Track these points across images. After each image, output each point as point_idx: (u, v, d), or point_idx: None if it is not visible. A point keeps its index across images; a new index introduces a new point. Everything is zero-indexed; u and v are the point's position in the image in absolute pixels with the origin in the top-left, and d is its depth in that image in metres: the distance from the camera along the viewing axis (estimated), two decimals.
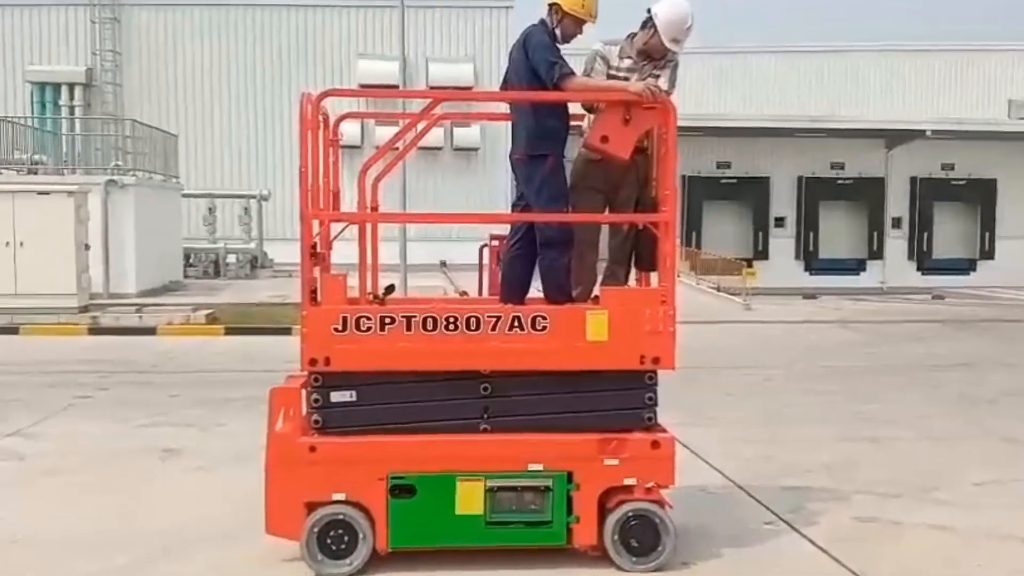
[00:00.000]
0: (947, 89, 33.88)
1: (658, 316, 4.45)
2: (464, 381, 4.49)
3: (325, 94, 4.54)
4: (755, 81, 34.23)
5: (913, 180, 25.76)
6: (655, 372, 4.52)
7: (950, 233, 25.98)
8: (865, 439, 7.65)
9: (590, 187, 4.88)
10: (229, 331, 14.50)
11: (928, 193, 25.74)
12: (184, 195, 22.73)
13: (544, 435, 4.53)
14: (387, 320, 4.39)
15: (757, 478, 6.27)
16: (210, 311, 15.63)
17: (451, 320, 4.40)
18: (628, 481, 4.51)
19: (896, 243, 25.91)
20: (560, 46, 4.68)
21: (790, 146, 25.14)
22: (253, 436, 5.11)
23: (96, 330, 14.56)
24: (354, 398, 4.44)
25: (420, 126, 4.95)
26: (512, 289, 4.90)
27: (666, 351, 4.46)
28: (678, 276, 22.85)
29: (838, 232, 25.58)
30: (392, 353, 4.38)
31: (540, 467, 4.48)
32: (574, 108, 4.93)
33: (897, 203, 25.80)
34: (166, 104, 26.51)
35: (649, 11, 4.82)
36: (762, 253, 25.21)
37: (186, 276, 21.74)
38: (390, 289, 5.10)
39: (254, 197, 24.75)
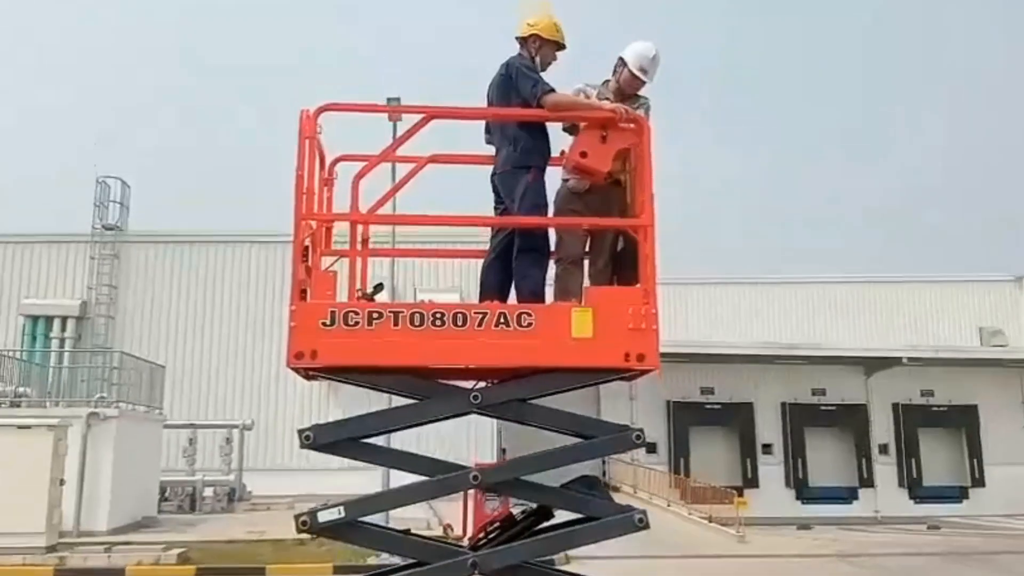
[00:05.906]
0: (922, 317, 34.95)
1: (641, 314, 4.50)
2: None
3: (323, 108, 4.62)
4: (735, 310, 35.35)
5: (895, 406, 25.99)
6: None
7: (938, 459, 25.88)
8: None
9: (572, 210, 5.16)
10: (200, 572, 13.86)
11: (911, 419, 25.89)
12: (166, 426, 22.48)
13: None
14: (375, 315, 4.37)
15: None
16: (182, 550, 14.99)
17: (438, 316, 4.39)
18: None
19: (885, 470, 25.69)
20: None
21: (771, 372, 25.55)
22: None
23: (63, 571, 13.87)
24: (343, 515, 4.34)
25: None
26: (490, 298, 5.01)
27: (650, 348, 4.50)
28: (667, 505, 21.99)
29: (826, 459, 25.43)
30: (379, 347, 4.33)
31: None
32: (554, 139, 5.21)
33: (881, 429, 25.87)
34: (156, 335, 26.83)
35: (620, 57, 5.39)
36: (752, 481, 24.90)
37: (161, 511, 21.00)
38: (379, 287, 5.13)
39: (236, 427, 24.51)
